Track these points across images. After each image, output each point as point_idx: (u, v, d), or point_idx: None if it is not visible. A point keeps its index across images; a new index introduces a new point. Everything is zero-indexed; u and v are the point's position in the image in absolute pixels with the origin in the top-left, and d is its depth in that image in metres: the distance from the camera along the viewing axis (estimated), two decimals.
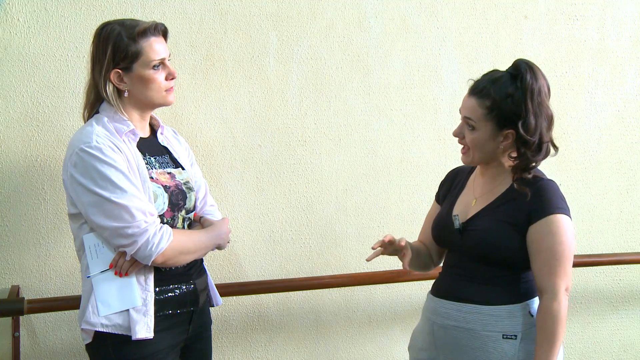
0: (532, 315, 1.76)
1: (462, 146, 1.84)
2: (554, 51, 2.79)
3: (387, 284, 2.66)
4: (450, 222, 1.86)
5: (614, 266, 2.94)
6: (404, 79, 2.65)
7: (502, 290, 1.78)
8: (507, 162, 1.82)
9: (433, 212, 2.05)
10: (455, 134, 1.84)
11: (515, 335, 1.74)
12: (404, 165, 2.68)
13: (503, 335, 1.74)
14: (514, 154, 1.79)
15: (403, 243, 1.83)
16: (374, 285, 2.68)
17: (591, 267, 2.89)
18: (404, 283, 2.60)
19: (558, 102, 2.81)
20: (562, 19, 2.79)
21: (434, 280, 1.98)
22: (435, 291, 1.91)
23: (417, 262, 1.97)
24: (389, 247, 1.83)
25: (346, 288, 2.65)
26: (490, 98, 1.75)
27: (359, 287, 2.66)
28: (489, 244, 1.76)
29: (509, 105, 1.73)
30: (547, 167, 2.85)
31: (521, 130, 1.72)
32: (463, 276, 1.83)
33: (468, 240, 1.81)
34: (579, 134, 2.85)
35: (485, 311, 1.76)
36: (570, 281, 1.74)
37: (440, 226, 1.92)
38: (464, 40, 2.70)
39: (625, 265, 2.94)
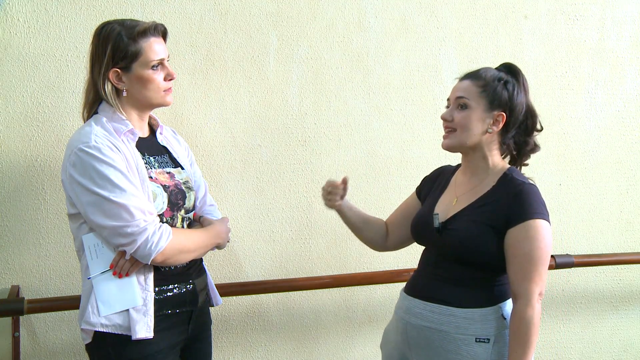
0: (505, 318, 1.76)
1: (447, 129, 1.84)
2: (554, 51, 2.79)
3: (387, 284, 2.66)
4: (430, 220, 1.86)
5: (614, 266, 2.94)
6: (404, 79, 2.65)
7: (477, 293, 1.77)
8: (494, 160, 1.84)
9: (408, 202, 2.08)
10: (445, 117, 1.84)
11: (488, 339, 1.74)
12: (404, 165, 2.68)
13: (476, 338, 1.74)
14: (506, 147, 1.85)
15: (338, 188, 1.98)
16: (374, 285, 2.68)
17: (591, 267, 2.89)
18: (404, 283, 2.59)
19: (558, 102, 2.83)
20: (562, 19, 2.79)
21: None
22: (410, 290, 1.91)
23: (360, 227, 2.06)
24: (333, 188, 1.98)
25: (346, 288, 2.65)
26: (483, 79, 1.81)
27: (359, 287, 2.66)
28: (467, 246, 1.75)
29: (502, 88, 1.80)
30: (548, 167, 2.87)
31: (514, 113, 1.80)
32: (438, 276, 1.83)
33: (446, 240, 1.80)
34: (579, 134, 2.85)
35: (459, 314, 1.76)
36: (545, 286, 1.73)
37: (420, 224, 1.91)
38: (464, 40, 2.70)
39: (625, 265, 2.94)
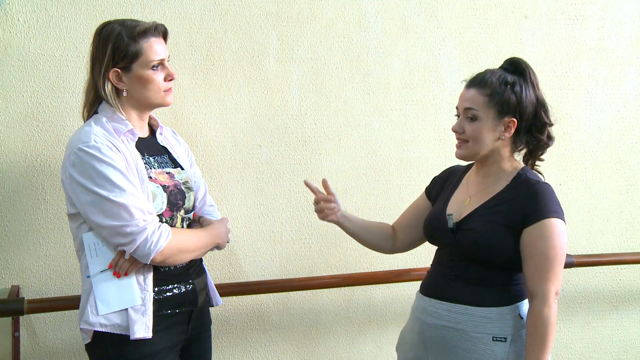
0: (522, 318, 1.76)
1: (459, 140, 1.82)
2: (554, 51, 2.79)
3: (387, 284, 2.66)
4: (443, 220, 1.85)
5: (614, 266, 2.94)
6: (404, 79, 2.65)
7: (493, 292, 1.77)
8: (507, 162, 1.83)
9: (417, 203, 2.07)
10: (455, 129, 1.82)
11: (505, 338, 1.74)
12: (404, 165, 2.68)
13: (493, 337, 1.74)
14: (520, 146, 1.83)
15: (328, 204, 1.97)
16: (374, 285, 2.68)
17: (591, 267, 2.89)
18: (404, 283, 2.60)
19: (558, 102, 2.81)
20: (562, 19, 2.79)
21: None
22: (425, 290, 1.90)
23: (362, 236, 2.05)
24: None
25: (346, 288, 2.65)
26: (489, 86, 1.78)
27: (359, 287, 2.66)
28: (483, 245, 1.75)
29: (509, 93, 1.76)
30: (547, 167, 2.85)
31: (525, 116, 1.77)
32: (454, 276, 1.82)
33: (461, 240, 1.80)
34: (579, 134, 2.85)
35: (476, 312, 1.76)
36: (560, 285, 1.74)
37: (433, 224, 1.91)
38: (464, 40, 2.70)
39: (625, 265, 2.94)
